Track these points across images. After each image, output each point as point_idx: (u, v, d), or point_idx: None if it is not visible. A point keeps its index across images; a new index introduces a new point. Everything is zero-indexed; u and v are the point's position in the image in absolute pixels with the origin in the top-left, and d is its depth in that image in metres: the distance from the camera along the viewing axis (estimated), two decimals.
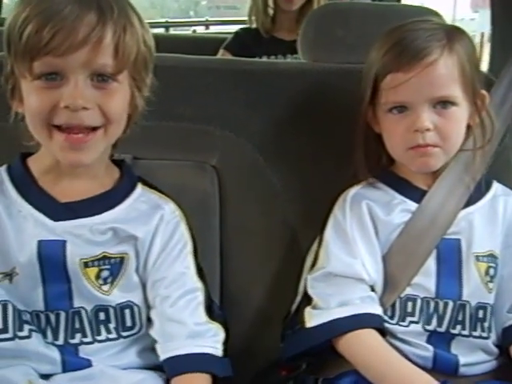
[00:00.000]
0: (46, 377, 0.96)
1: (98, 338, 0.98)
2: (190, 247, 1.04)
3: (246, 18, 2.41)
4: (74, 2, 0.86)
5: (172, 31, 3.63)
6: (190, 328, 0.99)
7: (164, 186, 1.07)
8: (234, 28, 2.56)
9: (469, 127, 1.07)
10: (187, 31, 3.73)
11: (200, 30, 3.74)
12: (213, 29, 3.78)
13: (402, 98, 1.02)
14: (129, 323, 1.00)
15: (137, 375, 0.98)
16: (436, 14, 1.25)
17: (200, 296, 1.02)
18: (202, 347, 0.98)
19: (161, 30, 3.51)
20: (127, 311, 1.00)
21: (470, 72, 1.03)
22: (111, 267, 0.98)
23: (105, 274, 0.98)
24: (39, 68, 0.87)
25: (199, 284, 1.03)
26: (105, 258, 0.97)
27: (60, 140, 0.90)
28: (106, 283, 0.98)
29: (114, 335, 0.99)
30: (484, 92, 1.07)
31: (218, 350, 1.00)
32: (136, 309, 1.00)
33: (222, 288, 1.19)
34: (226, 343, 1.02)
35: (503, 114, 1.18)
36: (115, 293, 0.98)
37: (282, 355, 1.07)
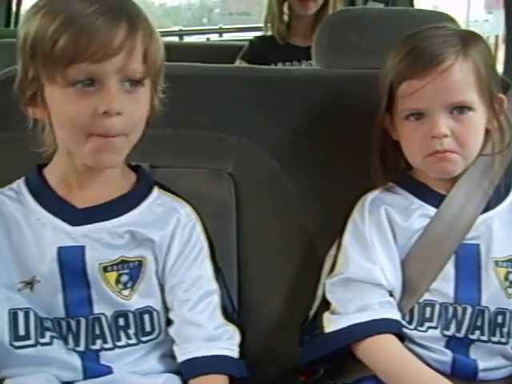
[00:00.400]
0: None
1: (119, 343, 0.99)
2: (206, 249, 1.05)
3: (259, 25, 2.43)
4: (104, 13, 0.88)
5: (186, 39, 3.64)
6: (208, 331, 1.00)
7: (181, 194, 1.07)
8: (248, 35, 2.57)
9: (487, 132, 1.06)
10: (201, 39, 3.74)
11: (214, 37, 3.75)
12: (226, 36, 3.78)
13: (418, 105, 1.02)
14: (148, 328, 1.01)
15: (157, 379, 0.99)
16: (450, 18, 1.25)
17: (216, 298, 1.03)
18: (219, 349, 1.00)
19: (175, 39, 3.53)
20: (146, 316, 1.01)
21: (486, 76, 1.02)
22: (130, 271, 0.99)
23: (124, 278, 0.99)
24: (74, 74, 0.88)
25: (215, 286, 1.04)
26: (123, 262, 0.99)
27: (96, 145, 0.91)
28: (126, 288, 0.99)
29: (133, 341, 1.00)
30: (502, 95, 1.07)
31: (234, 351, 1.01)
32: (155, 314, 1.01)
33: (239, 293, 1.19)
34: (241, 345, 1.03)
35: None
36: (135, 298, 0.99)
37: (300, 360, 1.07)
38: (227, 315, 1.04)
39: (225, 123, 1.23)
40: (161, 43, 0.96)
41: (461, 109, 1.01)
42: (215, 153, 1.22)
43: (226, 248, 1.18)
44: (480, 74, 1.02)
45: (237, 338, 1.03)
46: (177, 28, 3.91)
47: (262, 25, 2.40)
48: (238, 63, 2.25)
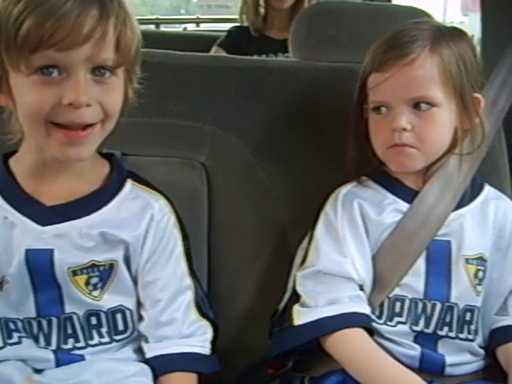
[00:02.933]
0: (39, 371, 0.95)
1: (91, 342, 0.98)
2: (180, 244, 1.03)
3: (236, 17, 2.42)
4: None
5: (163, 28, 3.61)
6: (181, 330, 1.00)
7: (153, 183, 1.06)
8: (225, 26, 2.56)
9: (465, 131, 1.06)
10: (178, 29, 3.70)
11: (191, 27, 3.71)
12: (203, 27, 3.75)
13: (382, 97, 1.02)
14: (121, 327, 1.00)
15: (132, 367, 0.98)
16: (427, 14, 1.25)
17: (191, 294, 1.03)
18: (190, 347, 1.00)
19: (151, 27, 3.48)
20: (119, 316, 0.99)
21: (458, 74, 1.01)
22: (100, 274, 0.97)
23: (94, 280, 0.97)
24: (38, 61, 0.84)
25: (190, 281, 1.03)
26: (93, 266, 0.96)
27: (59, 136, 0.88)
28: (96, 289, 0.97)
29: (106, 339, 0.99)
30: (478, 95, 1.06)
31: (206, 348, 1.01)
32: (128, 313, 1.00)
33: (209, 285, 1.18)
34: (214, 340, 1.03)
35: (494, 117, 1.18)
36: (106, 297, 0.98)
37: (268, 353, 1.06)
38: (201, 310, 1.03)
39: (199, 112, 1.21)
40: (136, 30, 0.92)
41: (424, 104, 1.00)
42: (188, 142, 1.21)
43: (197, 238, 1.16)
44: (448, 71, 1.00)
45: (209, 333, 1.03)
46: (153, 17, 3.85)
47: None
48: (215, 50, 2.25)
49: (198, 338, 1.01)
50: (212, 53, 2.20)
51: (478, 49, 1.61)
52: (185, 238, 1.05)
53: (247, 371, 1.16)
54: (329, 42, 1.26)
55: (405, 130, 1.00)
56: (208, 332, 1.03)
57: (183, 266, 1.03)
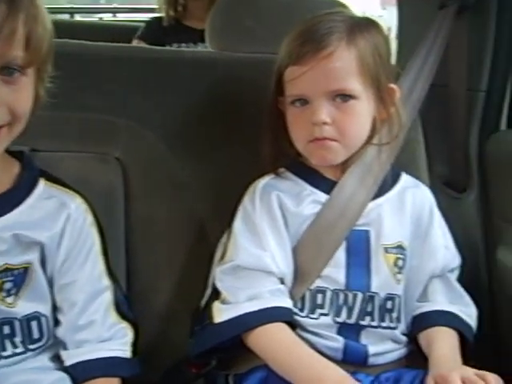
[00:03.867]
0: None
1: (4, 353, 0.93)
2: (98, 244, 1.01)
3: (155, 6, 2.40)
4: None
5: (78, 18, 3.50)
6: (100, 333, 0.97)
7: (65, 180, 1.01)
8: (144, 16, 2.53)
9: (381, 120, 1.06)
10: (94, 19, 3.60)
11: (108, 17, 3.62)
12: (121, 17, 3.66)
13: (301, 91, 1.01)
14: (36, 335, 0.95)
15: (50, 377, 0.94)
16: (343, 5, 1.25)
17: (109, 295, 1.00)
18: (109, 351, 0.97)
19: (65, 17, 3.36)
20: (34, 323, 0.95)
21: (374, 65, 1.01)
22: (15, 278, 0.92)
23: (8, 285, 0.92)
24: None
25: (108, 282, 1.00)
26: (7, 270, 0.91)
27: None
28: (9, 295, 0.92)
29: (20, 349, 0.94)
30: (393, 86, 1.06)
31: (126, 351, 0.99)
32: (44, 320, 0.96)
33: (128, 285, 1.15)
34: (135, 342, 1.01)
35: (409, 107, 1.20)
36: (21, 304, 0.93)
37: (190, 352, 1.04)
38: (120, 312, 1.01)
39: (113, 105, 1.18)
40: (48, 27, 0.87)
41: (343, 96, 1.00)
42: (102, 136, 1.17)
43: (114, 236, 1.13)
44: (365, 63, 1.00)
45: (130, 335, 1.01)
46: (68, 6, 3.73)
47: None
48: (136, 43, 2.23)
49: (117, 341, 0.99)
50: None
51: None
52: (102, 237, 1.02)
53: (170, 371, 1.13)
54: (246, 32, 1.25)
55: (325, 123, 0.99)
56: (128, 334, 1.00)
57: (101, 266, 1.00)
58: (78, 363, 0.95)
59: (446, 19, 1.29)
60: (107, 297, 1.00)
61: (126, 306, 1.03)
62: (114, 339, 0.98)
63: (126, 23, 2.95)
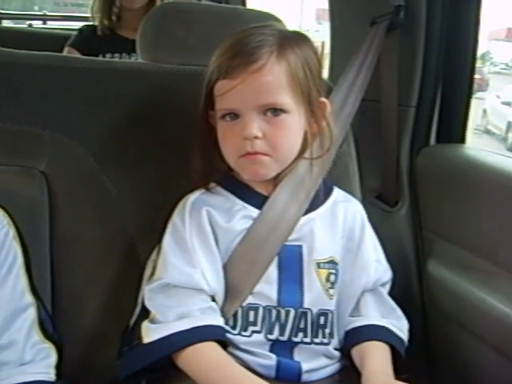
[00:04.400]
0: None
1: None
2: (20, 259, 0.96)
3: (87, 15, 2.35)
4: None
5: (5, 24, 3.38)
6: (22, 354, 0.92)
7: None
8: (76, 24, 2.47)
9: (312, 134, 1.06)
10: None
11: (38, 24, 3.51)
12: (52, 25, 3.55)
13: (231, 105, 0.99)
14: None
15: None
16: (277, 19, 1.24)
17: (33, 313, 0.96)
18: (33, 374, 0.92)
19: None
20: None
21: (305, 79, 1.01)
22: None
23: None
24: None
25: (31, 299, 0.96)
26: None
27: None
28: None
29: None
30: (324, 100, 1.06)
31: (50, 374, 0.95)
32: None
33: (53, 303, 1.11)
34: (59, 363, 0.97)
35: (341, 121, 1.20)
36: None
37: (118, 374, 0.99)
38: (44, 331, 0.97)
39: (38, 116, 1.13)
40: None
41: (274, 111, 0.99)
42: (26, 149, 1.12)
43: (38, 253, 1.08)
44: (296, 77, 1.00)
45: (53, 357, 0.97)
46: None
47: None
48: (67, 51, 2.18)
49: (40, 363, 0.94)
50: (64, 54, 2.13)
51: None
52: (25, 251, 0.98)
53: None
54: (178, 43, 1.22)
55: (256, 137, 0.98)
56: (52, 355, 0.96)
57: (24, 282, 0.96)
58: None
59: (377, 36, 1.31)
60: (30, 315, 0.95)
61: (50, 326, 0.99)
62: (37, 361, 0.94)
63: (56, 31, 2.87)
